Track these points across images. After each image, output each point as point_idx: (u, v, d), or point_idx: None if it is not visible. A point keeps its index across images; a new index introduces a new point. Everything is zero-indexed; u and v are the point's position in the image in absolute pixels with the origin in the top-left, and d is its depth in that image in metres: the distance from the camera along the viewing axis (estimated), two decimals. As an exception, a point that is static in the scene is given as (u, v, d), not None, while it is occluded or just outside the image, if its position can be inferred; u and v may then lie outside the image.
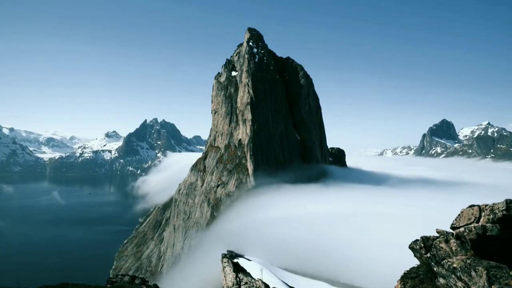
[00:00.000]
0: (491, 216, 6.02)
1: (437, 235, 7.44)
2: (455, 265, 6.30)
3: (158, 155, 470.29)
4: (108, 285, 15.10)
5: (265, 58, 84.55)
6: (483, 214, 6.26)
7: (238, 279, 18.98)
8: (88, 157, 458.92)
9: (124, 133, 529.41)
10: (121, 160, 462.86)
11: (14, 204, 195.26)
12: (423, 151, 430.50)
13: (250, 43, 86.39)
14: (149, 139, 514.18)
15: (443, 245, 6.94)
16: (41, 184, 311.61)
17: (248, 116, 74.78)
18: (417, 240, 7.93)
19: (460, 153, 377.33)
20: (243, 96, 78.77)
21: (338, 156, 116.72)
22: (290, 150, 79.02)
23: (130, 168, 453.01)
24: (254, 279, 18.73)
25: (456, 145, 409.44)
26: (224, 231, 53.13)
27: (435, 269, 7.01)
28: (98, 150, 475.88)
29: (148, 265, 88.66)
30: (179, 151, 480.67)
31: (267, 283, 18.98)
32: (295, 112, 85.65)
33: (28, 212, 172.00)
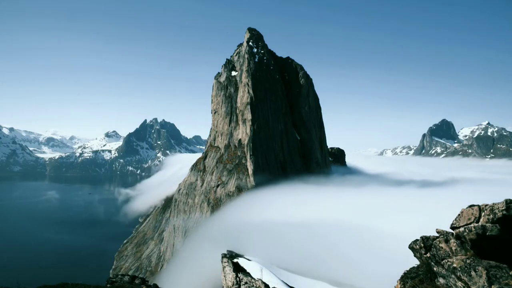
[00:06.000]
0: (491, 216, 6.02)
1: (437, 235, 7.44)
2: (455, 265, 6.31)
3: (158, 155, 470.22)
4: (108, 285, 15.09)
5: (265, 58, 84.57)
6: (483, 214, 6.26)
7: (238, 279, 18.99)
8: (88, 157, 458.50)
9: (124, 133, 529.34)
10: (121, 160, 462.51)
11: (14, 204, 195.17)
12: (423, 151, 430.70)
13: (250, 43, 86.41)
14: (149, 139, 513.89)
15: (443, 245, 6.94)
16: (41, 184, 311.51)
17: (248, 116, 74.79)
18: (417, 240, 7.93)
19: (460, 153, 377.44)
20: (243, 96, 78.78)
21: (338, 155, 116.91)
22: (290, 150, 79.04)
23: (130, 168, 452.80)
24: (254, 279, 18.74)
25: (456, 145, 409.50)
26: (223, 230, 53.17)
27: (435, 269, 7.01)
28: (98, 150, 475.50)
29: (148, 265, 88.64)
30: (179, 151, 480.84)
31: (267, 283, 19.00)
32: (295, 112, 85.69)
33: (28, 212, 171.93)
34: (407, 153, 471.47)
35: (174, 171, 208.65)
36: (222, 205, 67.74)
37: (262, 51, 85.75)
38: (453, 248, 6.67)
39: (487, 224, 6.03)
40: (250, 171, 69.59)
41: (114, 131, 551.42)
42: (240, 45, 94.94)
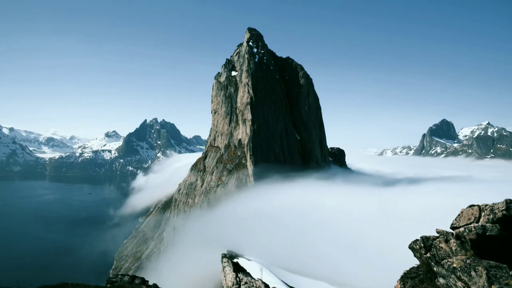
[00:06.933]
0: (491, 216, 6.02)
1: (437, 235, 7.44)
2: (455, 265, 6.30)
3: (158, 155, 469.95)
4: (108, 285, 15.07)
5: (265, 58, 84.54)
6: (483, 214, 6.26)
7: (238, 279, 18.98)
8: (88, 157, 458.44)
9: (124, 133, 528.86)
10: (121, 160, 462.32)
11: (14, 203, 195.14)
12: (423, 151, 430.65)
13: (250, 43, 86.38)
14: (149, 139, 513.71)
15: (443, 245, 6.93)
16: (41, 184, 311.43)
17: (248, 116, 74.76)
18: (417, 240, 7.93)
19: (460, 153, 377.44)
20: (243, 96, 78.75)
21: (338, 155, 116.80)
22: (290, 149, 79.00)
23: (130, 168, 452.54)
24: (254, 279, 18.74)
25: (456, 145, 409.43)
26: (223, 230, 53.20)
27: (435, 269, 7.01)
28: (98, 150, 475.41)
29: (148, 265, 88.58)
30: (179, 151, 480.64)
31: (267, 283, 19.00)
32: (295, 112, 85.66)
33: (28, 211, 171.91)
34: (407, 153, 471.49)
35: (174, 171, 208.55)
36: (222, 205, 67.77)
37: (262, 51, 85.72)
38: (453, 248, 6.67)
39: (487, 224, 6.03)
40: (250, 171, 69.58)
41: (114, 131, 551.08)
42: (240, 45, 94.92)
